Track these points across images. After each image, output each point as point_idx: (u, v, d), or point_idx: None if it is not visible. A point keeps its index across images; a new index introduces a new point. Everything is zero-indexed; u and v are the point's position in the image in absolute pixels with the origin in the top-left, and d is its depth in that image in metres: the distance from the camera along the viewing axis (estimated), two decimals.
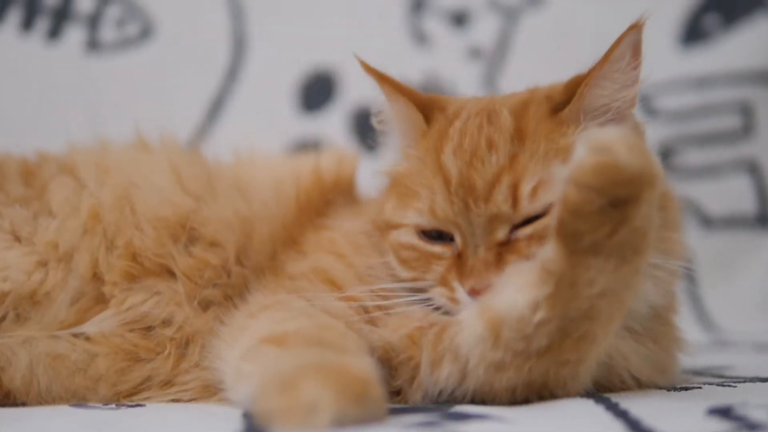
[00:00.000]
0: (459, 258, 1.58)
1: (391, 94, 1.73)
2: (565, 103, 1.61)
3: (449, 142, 1.63)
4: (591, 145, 1.31)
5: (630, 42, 1.58)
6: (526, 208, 1.53)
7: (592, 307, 1.37)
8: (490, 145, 1.58)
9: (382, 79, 1.73)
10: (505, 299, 1.40)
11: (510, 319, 1.39)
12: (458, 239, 1.58)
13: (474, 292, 1.53)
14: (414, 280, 1.64)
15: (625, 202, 1.31)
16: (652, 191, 1.33)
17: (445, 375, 1.49)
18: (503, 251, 1.54)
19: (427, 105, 1.73)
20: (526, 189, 1.53)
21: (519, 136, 1.58)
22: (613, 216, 1.32)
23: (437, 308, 1.60)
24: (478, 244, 1.55)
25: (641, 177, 1.31)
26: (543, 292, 1.37)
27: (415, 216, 1.63)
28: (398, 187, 1.69)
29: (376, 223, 1.74)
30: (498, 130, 1.59)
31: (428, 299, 1.61)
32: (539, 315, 1.37)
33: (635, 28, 1.58)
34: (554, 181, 1.43)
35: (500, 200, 1.53)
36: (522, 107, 1.64)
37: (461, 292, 1.55)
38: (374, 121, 1.81)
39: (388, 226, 1.68)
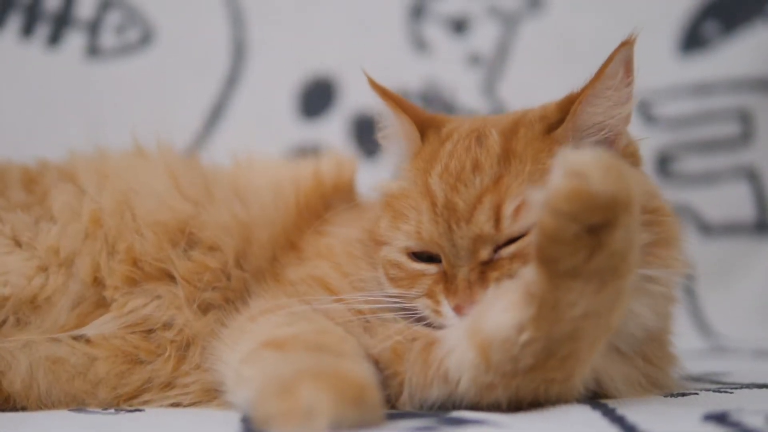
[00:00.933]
0: (445, 274, 1.59)
1: (393, 109, 1.75)
2: (558, 122, 1.62)
3: (437, 164, 1.64)
4: (565, 170, 1.29)
5: (622, 58, 1.57)
6: (509, 228, 1.53)
7: (575, 329, 1.37)
8: (475, 167, 1.58)
9: (385, 94, 1.75)
10: (491, 321, 1.40)
11: (496, 341, 1.39)
12: (443, 260, 1.59)
13: (458, 309, 1.54)
14: (401, 296, 1.64)
15: (600, 227, 1.30)
16: (628, 216, 1.32)
17: (435, 396, 1.50)
18: (486, 269, 1.55)
19: (425, 123, 1.75)
20: (508, 209, 1.53)
21: (506, 157, 1.58)
22: (589, 241, 1.31)
23: (421, 318, 1.61)
24: (462, 264, 1.56)
25: (616, 202, 1.29)
26: (527, 314, 1.36)
27: (403, 239, 1.64)
28: (391, 206, 1.70)
29: (372, 235, 1.75)
30: (485, 152, 1.60)
31: (414, 309, 1.62)
32: (524, 336, 1.37)
33: (627, 45, 1.57)
34: (532, 205, 1.43)
35: (482, 221, 1.54)
36: (512, 128, 1.64)
37: (446, 306, 1.56)
38: (378, 136, 1.83)
39: (381, 243, 1.70)
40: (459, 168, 1.60)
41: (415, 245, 1.63)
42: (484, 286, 1.52)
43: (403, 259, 1.65)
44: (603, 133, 1.61)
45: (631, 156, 1.66)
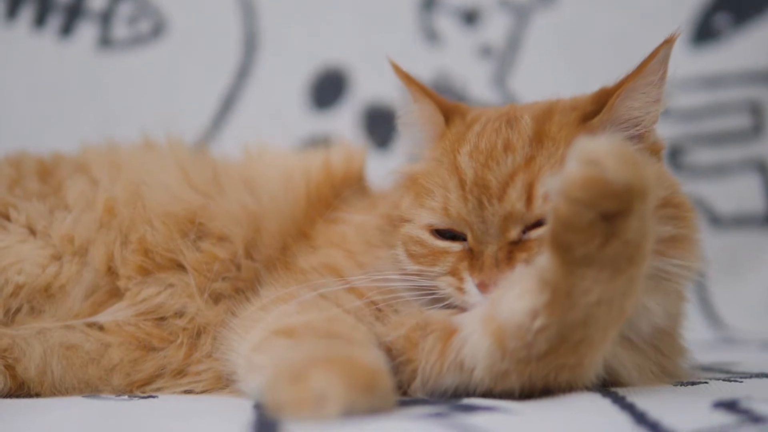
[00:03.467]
0: (470, 252, 1.59)
1: (416, 94, 1.76)
2: (593, 113, 1.62)
3: (466, 144, 1.64)
4: (581, 158, 1.29)
5: (663, 56, 1.59)
6: (540, 207, 1.53)
7: (589, 315, 1.37)
8: (507, 147, 1.59)
9: (409, 80, 1.76)
10: (506, 308, 1.41)
11: (511, 327, 1.39)
12: (470, 237, 1.59)
13: (483, 286, 1.54)
14: (420, 273, 1.64)
15: (615, 215, 1.30)
16: (643, 204, 1.32)
17: (448, 384, 1.51)
18: (514, 250, 1.55)
19: (450, 109, 1.76)
20: (541, 189, 1.53)
21: (538, 139, 1.59)
22: (603, 229, 1.31)
23: (440, 299, 1.61)
24: (491, 242, 1.56)
25: (631, 190, 1.29)
26: (541, 301, 1.37)
27: (428, 215, 1.64)
28: (415, 185, 1.71)
29: (391, 218, 1.75)
30: (517, 133, 1.60)
31: (433, 288, 1.62)
32: (538, 323, 1.37)
33: (669, 42, 1.58)
34: (547, 192, 1.43)
35: (514, 198, 1.54)
36: (545, 113, 1.64)
37: (470, 284, 1.56)
38: (397, 123, 1.84)
39: (402, 220, 1.70)
40: (490, 147, 1.60)
41: (440, 222, 1.63)
42: (511, 266, 1.53)
43: (425, 236, 1.65)
44: (636, 128, 1.62)
45: (656, 153, 1.67)
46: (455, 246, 1.62)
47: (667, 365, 1.69)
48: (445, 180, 1.63)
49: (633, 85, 1.59)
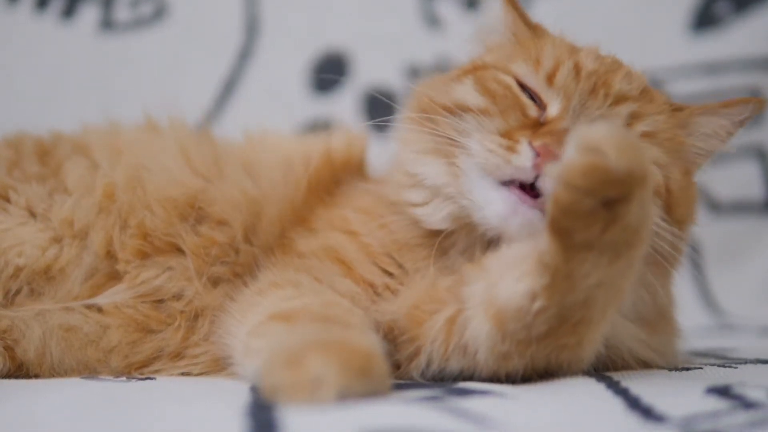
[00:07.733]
0: (540, 125, 1.61)
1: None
2: (679, 109, 1.70)
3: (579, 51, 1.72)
4: (581, 145, 1.30)
5: (751, 109, 1.66)
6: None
7: (588, 297, 1.39)
8: (629, 75, 1.68)
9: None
10: (505, 291, 1.42)
11: (511, 310, 1.40)
12: (556, 109, 1.62)
13: (543, 149, 1.53)
14: (481, 110, 1.65)
15: (615, 201, 1.31)
16: (642, 190, 1.33)
17: (454, 367, 1.53)
18: None
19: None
20: (639, 127, 1.62)
21: (646, 91, 1.68)
22: (603, 215, 1.32)
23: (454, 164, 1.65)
24: (571, 126, 1.57)
25: (631, 177, 1.30)
26: (540, 283, 1.38)
27: (523, 68, 1.69)
28: (523, 41, 1.78)
29: (433, 105, 1.75)
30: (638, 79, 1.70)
31: (461, 148, 1.64)
32: (537, 304, 1.38)
33: (762, 103, 1.67)
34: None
35: (623, 116, 1.63)
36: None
37: (524, 145, 1.55)
38: (483, 10, 1.86)
39: (486, 66, 1.76)
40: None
41: (532, 80, 1.66)
42: None
43: (512, 82, 1.68)
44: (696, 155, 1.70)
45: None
46: (532, 110, 1.64)
47: (662, 344, 1.72)
48: (561, 55, 1.67)
49: (713, 110, 1.68)
